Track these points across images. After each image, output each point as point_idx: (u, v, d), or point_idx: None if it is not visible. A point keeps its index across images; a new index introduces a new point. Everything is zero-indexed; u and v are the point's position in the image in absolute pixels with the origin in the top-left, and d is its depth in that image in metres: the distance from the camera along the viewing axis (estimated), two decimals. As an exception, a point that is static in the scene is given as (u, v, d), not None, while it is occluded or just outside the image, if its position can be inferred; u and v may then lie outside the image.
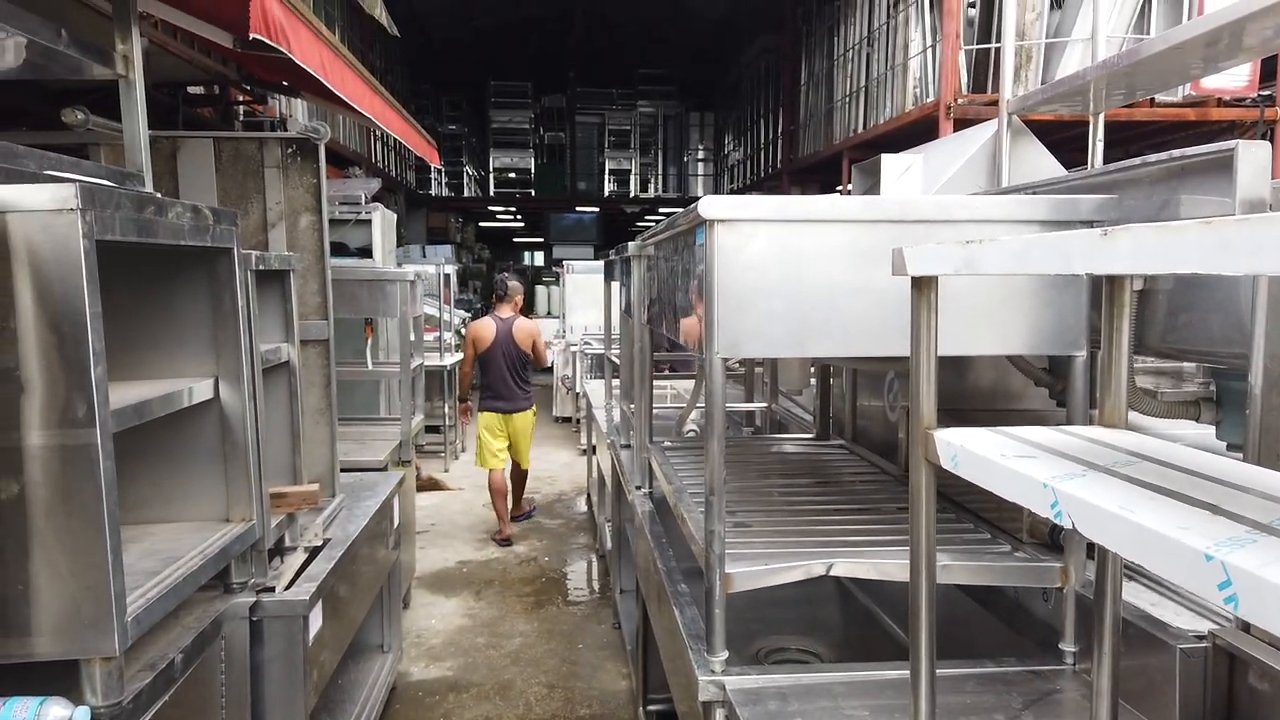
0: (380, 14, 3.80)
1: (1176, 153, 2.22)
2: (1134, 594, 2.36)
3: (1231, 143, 2.00)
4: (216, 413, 2.84)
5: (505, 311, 8.29)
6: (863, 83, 12.21)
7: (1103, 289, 1.57)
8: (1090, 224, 2.20)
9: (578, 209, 24.40)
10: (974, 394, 3.13)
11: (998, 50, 9.13)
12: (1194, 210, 2.04)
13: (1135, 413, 2.43)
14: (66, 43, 2.67)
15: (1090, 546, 2.30)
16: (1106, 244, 1.04)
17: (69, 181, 2.11)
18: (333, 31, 8.44)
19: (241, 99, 8.29)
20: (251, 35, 3.93)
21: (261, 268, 3.19)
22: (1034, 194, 2.62)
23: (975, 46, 9.58)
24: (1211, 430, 2.56)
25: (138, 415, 2.36)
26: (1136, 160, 2.31)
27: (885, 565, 2.42)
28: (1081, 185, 2.50)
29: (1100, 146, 3.92)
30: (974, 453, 1.41)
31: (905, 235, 2.10)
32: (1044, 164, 3.78)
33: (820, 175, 14.81)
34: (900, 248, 1.56)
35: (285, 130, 4.01)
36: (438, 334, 11.62)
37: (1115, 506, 1.05)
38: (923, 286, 1.56)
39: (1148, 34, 9.18)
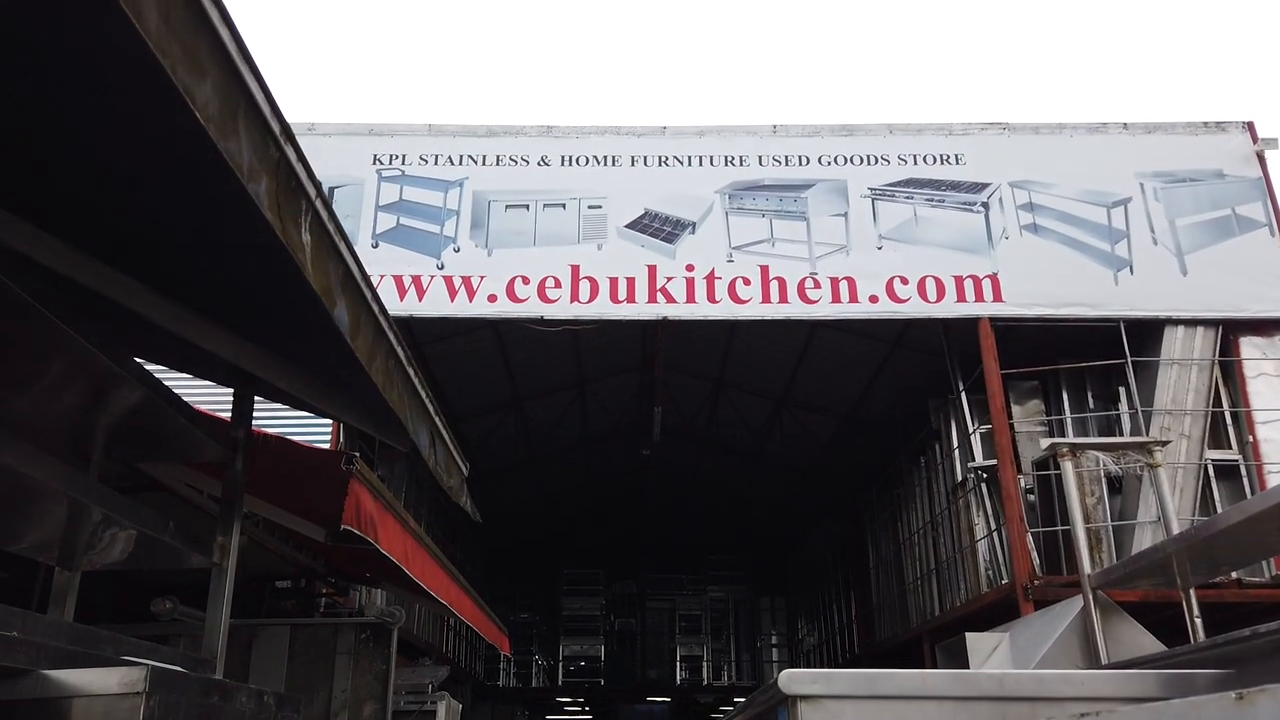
0: (465, 502, 4.04)
1: (1287, 622, 2.09)
2: None
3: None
4: None
5: None
6: (932, 565, 12.19)
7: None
8: (1212, 702, 2.01)
9: (649, 699, 23.33)
10: None
11: (1065, 533, 9.18)
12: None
13: None
14: (171, 533, 2.85)
15: None
16: (1244, 710, 0.94)
17: (140, 666, 2.11)
18: (419, 524, 8.86)
19: (325, 591, 8.54)
20: (343, 526, 4.17)
21: (316, 761, 3.02)
22: (1142, 670, 2.44)
23: (1041, 529, 9.66)
24: None
25: None
26: (1246, 631, 2.18)
27: None
28: (1192, 659, 2.33)
29: (1199, 623, 3.73)
30: None
31: (1006, 714, 1.93)
32: (1142, 641, 3.58)
33: (901, 660, 14.16)
34: (1006, 724, 1.42)
35: (362, 616, 4.07)
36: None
37: None
38: (1039, 771, 1.39)
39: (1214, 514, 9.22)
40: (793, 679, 2.01)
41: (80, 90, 1.79)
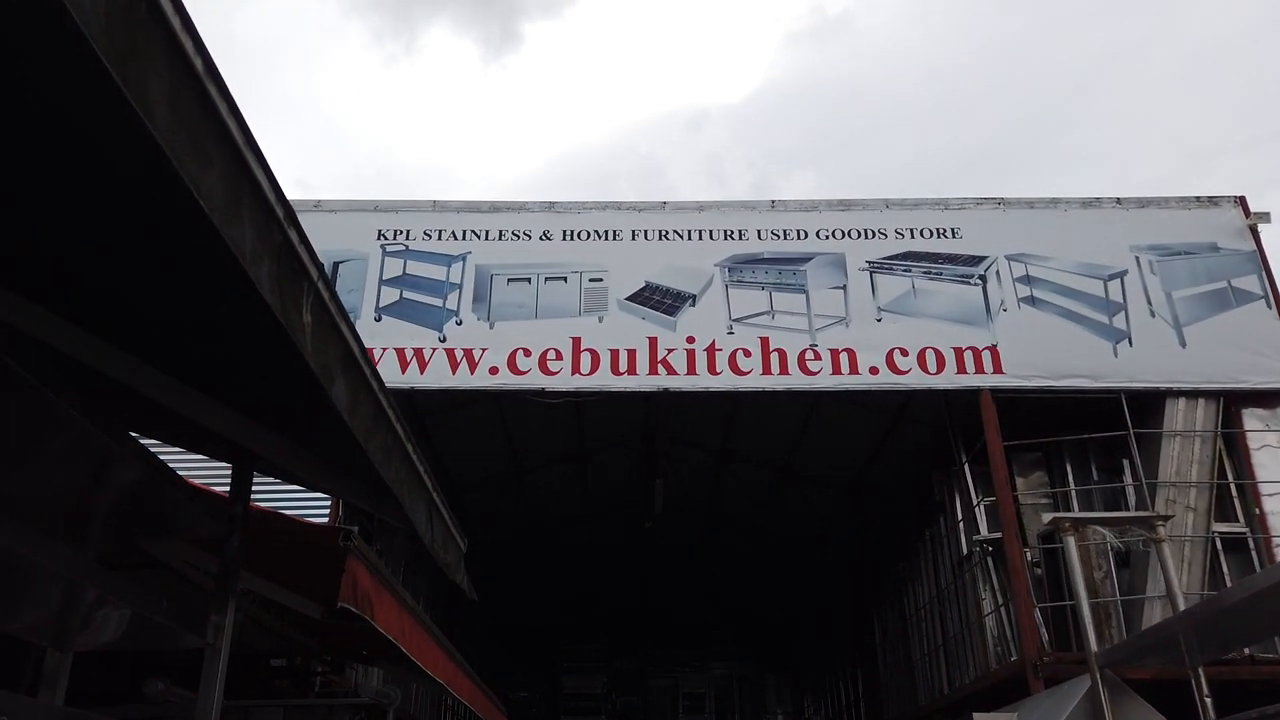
0: (461, 579, 4.00)
1: (1293, 704, 2.05)
2: None
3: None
4: None
5: None
6: (940, 641, 11.97)
7: None
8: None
9: (652, 781, 22.67)
10: None
11: (1074, 608, 9.03)
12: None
13: None
14: (165, 612, 2.82)
15: None
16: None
17: (131, 750, 2.07)
18: (417, 601, 8.75)
19: (320, 670, 8.38)
20: (339, 604, 4.12)
21: None
22: (1147, 754, 2.39)
23: (1049, 604, 9.51)
24: None
25: None
26: (1254, 713, 2.14)
27: None
28: (1198, 743, 2.28)
29: (1209, 702, 3.66)
30: None
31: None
32: (1151, 721, 3.50)
33: (910, 742, 13.81)
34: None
35: (356, 696, 4.00)
36: None
37: None
38: None
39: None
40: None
41: (88, 176, 1.85)
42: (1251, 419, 9.99)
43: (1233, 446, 9.97)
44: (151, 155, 1.51)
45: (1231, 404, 10.05)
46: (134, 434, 2.96)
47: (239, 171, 1.78)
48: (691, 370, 10.43)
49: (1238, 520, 9.68)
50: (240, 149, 1.78)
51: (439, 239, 11.33)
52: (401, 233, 11.34)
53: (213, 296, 2.19)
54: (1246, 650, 8.54)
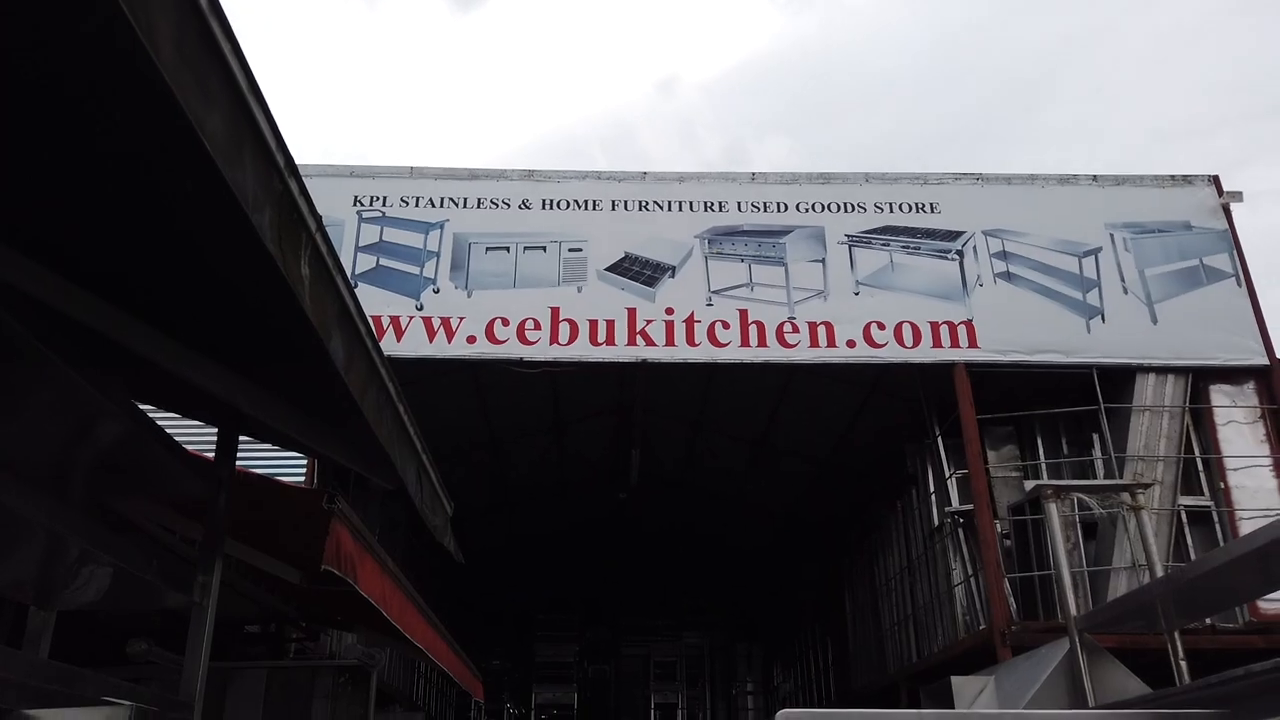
0: (448, 542, 3.99)
1: None
2: None
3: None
4: None
5: None
6: (909, 611, 12.16)
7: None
8: (1208, 742, 2.01)
9: (622, 751, 22.96)
10: None
11: (1041, 578, 9.22)
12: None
13: None
14: (154, 571, 2.79)
15: None
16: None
17: (124, 706, 2.06)
18: (395, 559, 8.71)
19: (295, 636, 8.35)
20: (323, 567, 4.10)
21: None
22: (1137, 710, 2.44)
23: (1018, 575, 9.67)
24: None
25: None
26: (1240, 671, 2.19)
27: None
28: (1184, 699, 2.34)
29: (1184, 665, 3.74)
30: None
31: (1007, 754, 1.92)
32: (1128, 684, 3.58)
33: (877, 706, 14.01)
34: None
35: (340, 658, 3.99)
36: None
37: None
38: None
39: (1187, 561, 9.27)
40: (789, 717, 1.99)
41: (85, 119, 1.80)
42: (1219, 395, 10.17)
43: (1200, 422, 10.15)
44: (156, 94, 1.47)
45: (1200, 380, 10.23)
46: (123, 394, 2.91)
47: (241, 114, 1.74)
48: (670, 341, 10.43)
49: (1203, 494, 9.88)
50: (243, 91, 1.73)
51: (416, 206, 11.21)
52: (378, 199, 11.20)
53: (211, 246, 2.15)
54: (1208, 620, 8.75)
